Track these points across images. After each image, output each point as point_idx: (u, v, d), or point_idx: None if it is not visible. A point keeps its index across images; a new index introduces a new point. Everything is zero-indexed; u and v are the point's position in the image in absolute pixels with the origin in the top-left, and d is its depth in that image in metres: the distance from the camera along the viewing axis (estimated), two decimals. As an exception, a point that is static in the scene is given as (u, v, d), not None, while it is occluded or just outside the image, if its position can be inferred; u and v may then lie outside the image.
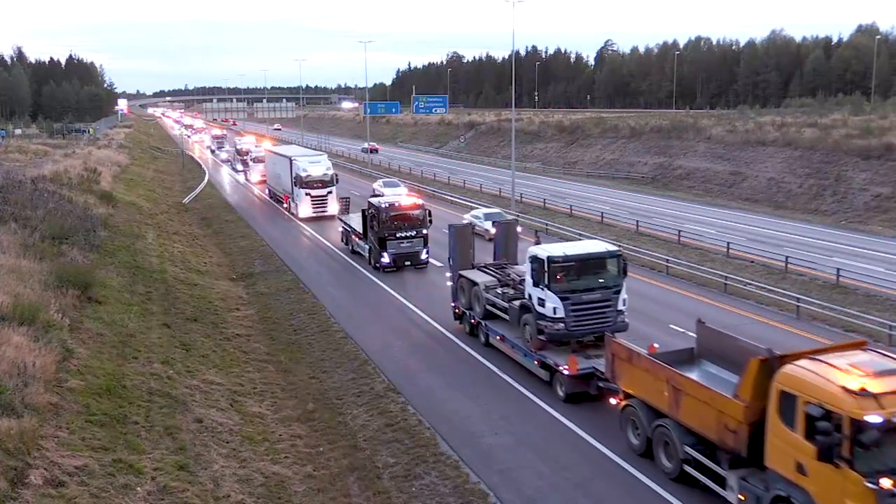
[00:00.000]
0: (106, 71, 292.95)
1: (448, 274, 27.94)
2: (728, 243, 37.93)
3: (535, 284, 20.89)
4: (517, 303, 22.29)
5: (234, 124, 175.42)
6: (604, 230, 44.03)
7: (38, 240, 27.04)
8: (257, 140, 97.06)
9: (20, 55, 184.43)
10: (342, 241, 41.86)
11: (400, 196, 42.90)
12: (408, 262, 35.29)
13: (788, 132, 63.33)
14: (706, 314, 27.41)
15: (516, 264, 26.65)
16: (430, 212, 36.27)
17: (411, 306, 29.80)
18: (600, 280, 20.85)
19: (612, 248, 21.83)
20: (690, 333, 25.14)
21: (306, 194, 50.41)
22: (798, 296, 28.36)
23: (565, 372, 19.69)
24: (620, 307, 20.98)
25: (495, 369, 22.73)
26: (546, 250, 21.09)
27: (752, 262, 35.38)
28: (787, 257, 33.96)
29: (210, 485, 14.97)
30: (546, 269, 20.42)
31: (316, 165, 51.47)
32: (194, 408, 18.50)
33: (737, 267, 34.48)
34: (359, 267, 36.84)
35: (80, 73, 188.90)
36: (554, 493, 15.87)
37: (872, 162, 52.67)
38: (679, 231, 41.45)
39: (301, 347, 25.75)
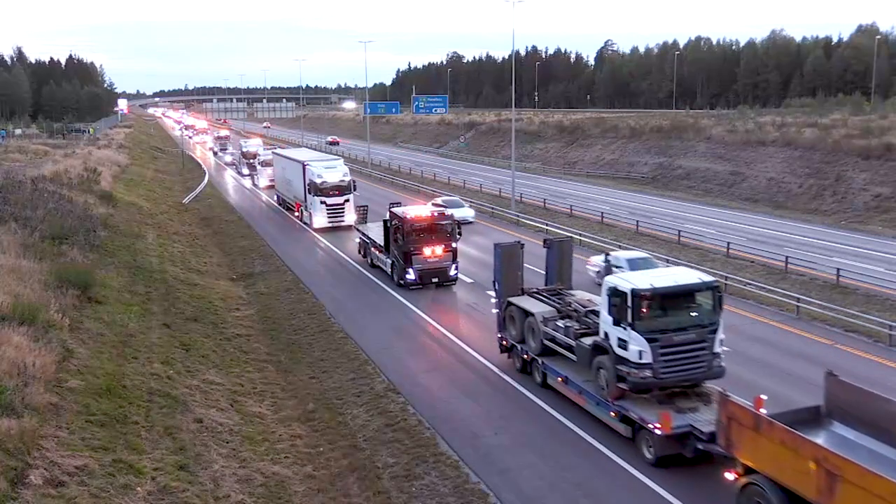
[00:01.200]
0: (106, 71, 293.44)
1: (494, 300, 24.32)
2: (728, 243, 37.97)
3: (616, 323, 17.46)
4: (588, 341, 18.82)
5: (225, 122, 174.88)
6: (604, 230, 44.07)
7: (38, 240, 26.98)
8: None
9: (20, 55, 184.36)
10: (359, 252, 38.89)
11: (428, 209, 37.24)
12: (435, 280, 32.44)
13: (788, 132, 63.35)
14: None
15: (572, 289, 23.58)
16: (458, 223, 33.90)
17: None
18: (693, 316, 17.52)
19: (706, 277, 18.18)
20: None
21: (321, 202, 46.42)
22: (798, 296, 28.39)
23: (657, 431, 16.29)
24: (717, 349, 17.61)
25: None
26: (629, 280, 17.59)
27: (752, 262, 35.41)
28: (787, 257, 33.99)
29: (210, 485, 14.97)
30: (629, 303, 16.99)
31: (332, 171, 47.45)
32: (194, 408, 18.49)
33: (737, 267, 34.51)
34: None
35: (80, 73, 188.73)
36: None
37: (872, 162, 52.69)
38: (679, 231, 41.49)
39: (301, 348, 25.72)
